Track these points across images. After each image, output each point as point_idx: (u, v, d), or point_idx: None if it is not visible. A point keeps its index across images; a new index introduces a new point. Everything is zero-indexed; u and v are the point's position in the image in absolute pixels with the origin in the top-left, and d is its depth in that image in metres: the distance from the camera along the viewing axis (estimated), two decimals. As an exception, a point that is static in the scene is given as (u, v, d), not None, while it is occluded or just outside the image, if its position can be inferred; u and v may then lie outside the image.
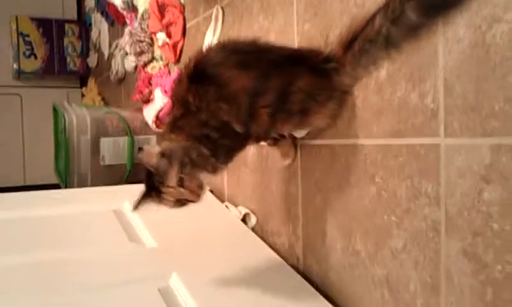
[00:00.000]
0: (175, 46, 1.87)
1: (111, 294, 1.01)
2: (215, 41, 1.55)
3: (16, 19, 3.27)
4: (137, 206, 0.96)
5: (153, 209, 1.32)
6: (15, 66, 3.29)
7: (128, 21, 2.42)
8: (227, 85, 0.90)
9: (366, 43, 0.88)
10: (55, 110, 2.09)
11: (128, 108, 2.34)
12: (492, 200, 0.75)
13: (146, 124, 2.02)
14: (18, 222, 1.30)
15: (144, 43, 2.18)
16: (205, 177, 0.96)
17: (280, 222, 1.30)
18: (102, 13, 3.02)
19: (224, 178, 1.61)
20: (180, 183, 0.92)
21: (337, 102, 0.99)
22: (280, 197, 1.29)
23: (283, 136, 1.13)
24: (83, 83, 3.58)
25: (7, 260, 1.09)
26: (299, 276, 1.18)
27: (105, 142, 1.92)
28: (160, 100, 1.93)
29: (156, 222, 1.32)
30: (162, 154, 0.91)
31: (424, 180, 0.87)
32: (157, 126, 1.92)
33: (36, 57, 3.33)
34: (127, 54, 2.52)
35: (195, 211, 1.50)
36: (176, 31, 1.87)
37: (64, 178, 1.94)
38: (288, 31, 1.22)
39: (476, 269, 0.78)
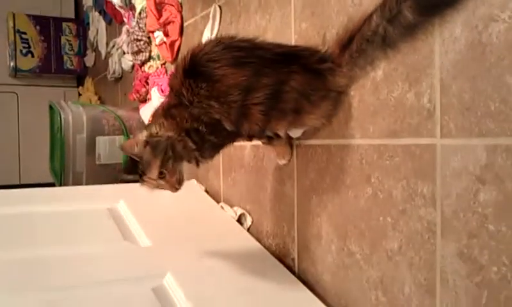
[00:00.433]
0: (172, 45, 1.87)
1: (105, 292, 1.00)
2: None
3: (14, 16, 3.25)
4: (127, 172, 0.98)
5: (148, 208, 1.31)
6: (12, 64, 3.27)
7: (125, 19, 2.41)
8: (219, 82, 0.90)
9: (363, 42, 0.88)
10: (51, 108, 2.08)
11: (124, 107, 2.34)
12: (488, 201, 0.75)
13: (143, 123, 2.01)
14: (12, 219, 1.29)
15: (141, 42, 2.17)
16: (186, 169, 0.97)
17: (275, 223, 1.29)
18: (99, 12, 3.01)
19: (220, 179, 1.60)
20: (161, 176, 0.94)
21: (332, 102, 0.98)
22: (276, 198, 1.29)
23: (278, 136, 1.12)
24: (80, 82, 3.57)
25: (0, 256, 1.08)
26: (294, 277, 1.17)
27: (101, 141, 1.91)
28: (157, 99, 1.93)
29: (151, 221, 1.32)
30: (147, 142, 0.91)
31: (419, 181, 0.86)
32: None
33: (32, 55, 3.32)
34: (124, 53, 2.52)
35: (191, 211, 1.50)
36: (173, 29, 1.87)
37: (59, 177, 1.93)
38: (286, 29, 1.21)
39: (471, 271, 0.77)
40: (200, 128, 0.92)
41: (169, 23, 1.88)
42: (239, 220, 1.43)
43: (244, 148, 1.43)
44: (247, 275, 1.13)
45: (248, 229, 1.40)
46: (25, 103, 3.36)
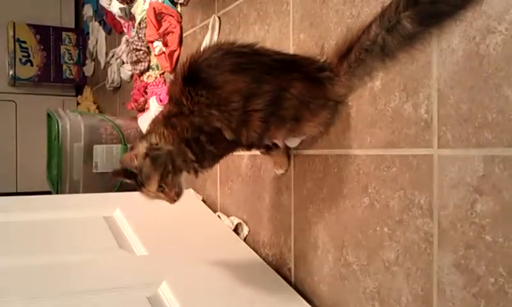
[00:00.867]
0: (171, 55, 1.88)
1: (100, 301, 0.99)
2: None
3: (14, 25, 3.27)
4: (116, 175, 0.97)
5: (144, 217, 1.31)
6: (11, 72, 3.28)
7: (125, 29, 2.43)
8: (220, 89, 0.89)
9: (362, 52, 0.88)
10: (49, 116, 2.07)
11: (123, 116, 2.34)
12: (485, 212, 0.75)
13: (141, 132, 2.00)
14: (9, 226, 1.28)
15: (140, 52, 2.18)
16: (184, 179, 0.97)
17: (272, 233, 1.29)
18: (99, 22, 3.03)
19: (217, 188, 1.60)
20: (160, 189, 0.94)
21: (330, 111, 0.98)
22: (273, 208, 1.28)
23: (276, 145, 1.12)
24: (79, 91, 3.58)
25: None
26: (290, 287, 1.16)
27: (99, 150, 1.91)
28: (155, 109, 1.93)
29: (147, 230, 1.31)
30: (147, 155, 0.90)
31: (416, 191, 0.86)
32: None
33: (32, 64, 3.33)
34: (123, 62, 2.53)
35: (187, 220, 1.49)
36: (172, 39, 1.88)
37: (56, 185, 1.92)
38: (284, 40, 1.22)
39: (468, 282, 0.77)
40: (201, 138, 0.91)
41: (168, 33, 1.90)
42: (236, 230, 1.43)
43: (242, 158, 1.43)
44: (243, 285, 1.12)
45: (245, 239, 1.39)
46: (23, 112, 3.36)
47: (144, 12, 2.10)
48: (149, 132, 0.96)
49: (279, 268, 1.24)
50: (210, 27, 1.59)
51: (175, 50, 1.87)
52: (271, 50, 0.98)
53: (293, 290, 1.15)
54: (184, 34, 1.85)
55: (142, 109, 2.20)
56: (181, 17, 1.88)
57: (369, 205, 0.96)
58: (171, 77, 1.90)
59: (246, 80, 0.89)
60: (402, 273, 0.89)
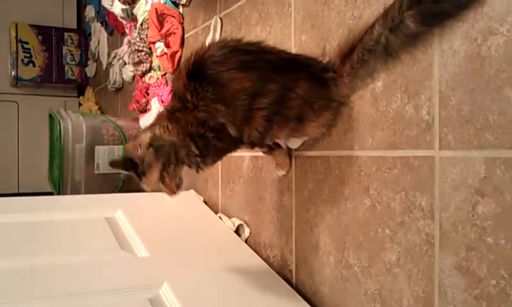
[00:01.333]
0: (173, 56, 1.88)
1: (101, 302, 0.99)
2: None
3: (16, 26, 3.28)
4: (114, 165, 0.97)
5: (146, 218, 1.31)
6: (13, 73, 3.29)
7: (127, 30, 2.43)
8: (225, 86, 0.88)
9: (365, 53, 0.88)
10: (51, 117, 2.08)
11: (124, 117, 2.34)
12: (487, 214, 0.74)
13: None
14: (10, 227, 1.28)
15: (142, 53, 2.18)
16: (186, 173, 0.96)
17: (273, 234, 1.29)
18: (101, 23, 3.03)
19: (218, 189, 1.60)
20: (161, 179, 0.93)
21: (333, 112, 0.98)
22: (274, 209, 1.28)
23: (278, 145, 1.12)
24: (81, 92, 3.59)
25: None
26: (291, 289, 1.16)
27: (100, 151, 1.91)
28: (157, 110, 1.93)
29: (148, 232, 1.31)
30: (150, 145, 0.90)
31: (418, 193, 0.86)
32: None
33: (34, 65, 3.34)
34: (125, 63, 2.53)
35: (189, 221, 1.49)
36: (174, 40, 1.88)
37: (58, 186, 1.92)
38: (286, 41, 1.22)
39: (470, 284, 0.77)
40: (206, 133, 0.91)
41: (170, 34, 1.90)
42: (237, 231, 1.43)
43: (243, 159, 1.43)
44: (244, 286, 1.12)
45: (246, 241, 1.39)
46: (25, 113, 3.36)
47: (146, 13, 2.10)
48: (153, 124, 0.96)
49: (280, 270, 1.24)
50: (212, 28, 1.59)
51: (176, 51, 1.87)
52: (277, 49, 0.97)
53: (294, 291, 1.15)
54: (186, 35, 1.85)
55: (144, 110, 2.21)
56: (183, 18, 1.88)
57: (370, 207, 0.96)
58: (176, 73, 1.92)
59: (252, 79, 0.88)
60: (403, 275, 0.89)
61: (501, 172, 0.72)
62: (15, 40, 3.27)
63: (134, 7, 2.25)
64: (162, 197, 1.57)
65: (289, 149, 1.18)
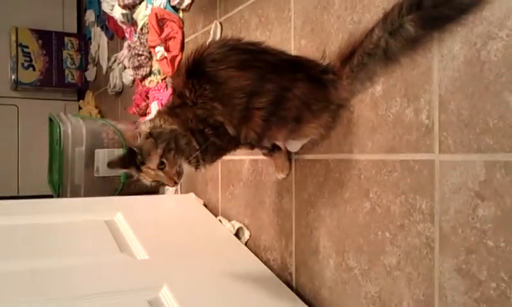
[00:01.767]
0: (172, 60, 1.88)
1: (100, 304, 0.99)
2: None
3: (16, 30, 3.28)
4: (112, 166, 0.96)
5: (146, 221, 1.31)
6: (13, 77, 3.29)
7: (127, 35, 2.44)
8: (223, 84, 0.89)
9: (365, 56, 0.89)
10: (51, 120, 2.08)
11: (124, 121, 2.34)
12: (487, 217, 0.75)
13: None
14: (10, 230, 1.28)
15: (142, 57, 2.19)
16: (185, 167, 0.96)
17: (273, 238, 1.29)
18: (102, 27, 3.04)
19: (218, 193, 1.60)
20: (160, 167, 0.92)
21: (332, 114, 0.99)
22: (274, 212, 1.29)
23: (278, 148, 1.12)
24: (81, 96, 3.59)
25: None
26: (291, 292, 1.16)
27: (100, 154, 1.91)
28: (156, 112, 1.93)
29: (148, 234, 1.31)
30: (150, 134, 0.90)
31: (418, 196, 0.86)
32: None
33: (34, 69, 3.34)
34: (125, 67, 2.54)
35: (188, 224, 1.49)
36: (174, 45, 1.89)
37: (58, 189, 1.92)
38: (286, 45, 1.22)
39: (470, 287, 0.77)
40: (205, 130, 0.92)
41: (170, 38, 1.90)
42: (237, 234, 1.43)
43: (243, 163, 1.43)
44: (244, 289, 1.12)
45: (246, 244, 1.39)
46: (25, 116, 3.36)
47: (146, 17, 2.11)
48: (153, 118, 0.96)
49: (280, 273, 1.24)
50: (211, 32, 1.60)
51: (176, 56, 1.88)
52: (277, 50, 0.97)
53: (294, 294, 1.15)
54: (186, 40, 1.86)
55: (144, 114, 2.21)
56: (183, 23, 1.88)
57: (370, 210, 0.96)
58: (176, 70, 1.92)
59: (251, 78, 0.89)
60: (403, 278, 0.89)
61: (501, 175, 0.73)
62: (15, 44, 3.28)
63: (134, 11, 2.26)
64: (162, 200, 1.58)
65: (289, 153, 1.18)
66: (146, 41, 2.12)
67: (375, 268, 0.95)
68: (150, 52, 2.17)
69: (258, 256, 1.33)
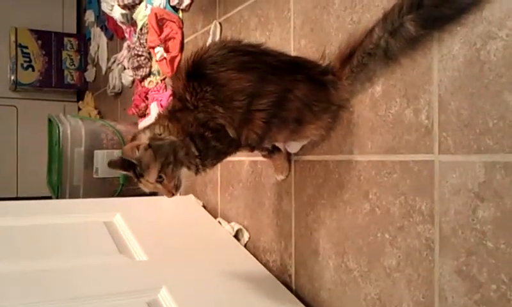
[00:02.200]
0: (172, 60, 1.88)
1: (99, 306, 0.98)
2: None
3: (16, 31, 3.28)
4: (112, 166, 0.96)
5: (145, 222, 1.30)
6: (12, 77, 3.29)
7: (127, 35, 2.44)
8: (224, 86, 0.88)
9: (365, 56, 0.89)
10: (50, 121, 2.08)
11: (124, 122, 2.34)
12: (486, 218, 0.74)
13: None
14: (9, 231, 1.27)
15: (142, 58, 2.18)
16: (185, 175, 0.95)
17: (273, 239, 1.28)
18: (101, 28, 3.04)
19: (217, 194, 1.59)
20: (159, 180, 0.92)
21: (332, 115, 0.98)
22: (273, 214, 1.28)
23: (277, 149, 1.12)
24: (80, 97, 3.58)
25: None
26: (291, 294, 1.16)
27: (99, 155, 1.91)
28: (156, 114, 1.93)
29: (147, 236, 1.30)
30: (149, 145, 0.90)
31: (417, 197, 0.86)
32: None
33: (33, 70, 3.34)
34: (124, 68, 2.53)
35: (188, 226, 1.49)
36: (174, 45, 1.88)
37: (57, 190, 1.92)
38: (285, 46, 1.22)
39: (470, 288, 0.76)
40: (206, 133, 0.91)
41: (169, 39, 1.90)
42: (236, 235, 1.42)
43: (243, 164, 1.43)
44: (243, 291, 1.12)
45: (245, 245, 1.39)
46: (24, 117, 3.36)
47: (146, 18, 2.10)
48: (153, 124, 0.95)
49: (279, 275, 1.24)
50: (211, 33, 1.60)
51: (176, 56, 1.87)
52: (277, 51, 0.97)
53: (293, 296, 1.15)
54: (185, 40, 1.85)
55: (143, 115, 2.21)
56: (182, 23, 1.88)
57: (370, 211, 0.96)
58: (176, 73, 1.91)
59: (251, 80, 0.88)
60: (403, 279, 0.89)
61: (501, 176, 0.72)
62: (15, 45, 3.27)
63: (134, 12, 2.25)
64: (161, 201, 1.57)
65: (288, 154, 1.17)
66: (146, 42, 2.12)
67: (375, 270, 0.95)
68: (149, 53, 2.16)
69: (257, 258, 1.32)
